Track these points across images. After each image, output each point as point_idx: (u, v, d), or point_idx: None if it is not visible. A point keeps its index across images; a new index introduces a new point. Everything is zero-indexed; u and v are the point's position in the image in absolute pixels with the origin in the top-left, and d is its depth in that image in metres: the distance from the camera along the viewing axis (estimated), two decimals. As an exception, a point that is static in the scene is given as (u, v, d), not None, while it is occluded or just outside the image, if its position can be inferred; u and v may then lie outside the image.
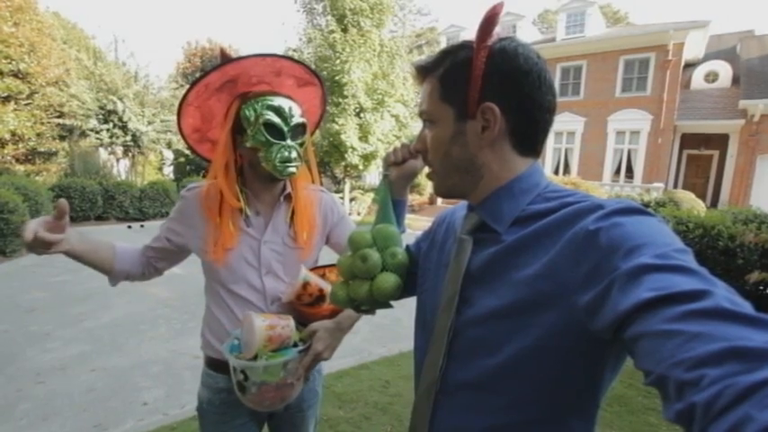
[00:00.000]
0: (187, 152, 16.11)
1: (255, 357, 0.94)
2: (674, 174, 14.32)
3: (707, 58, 14.98)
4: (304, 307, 1.06)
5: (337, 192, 15.09)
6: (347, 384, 2.90)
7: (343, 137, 11.37)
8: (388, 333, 3.90)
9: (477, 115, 0.59)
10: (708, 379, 0.31)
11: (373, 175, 17.28)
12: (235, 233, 1.07)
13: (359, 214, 12.39)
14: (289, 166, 1.03)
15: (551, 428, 0.55)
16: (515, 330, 0.53)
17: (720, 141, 13.38)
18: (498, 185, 0.61)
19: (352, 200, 14.01)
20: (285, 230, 1.12)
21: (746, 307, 0.35)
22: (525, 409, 0.55)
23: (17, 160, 12.22)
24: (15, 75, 11.64)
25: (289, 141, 1.04)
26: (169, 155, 18.44)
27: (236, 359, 0.95)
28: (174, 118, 1.11)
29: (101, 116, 12.75)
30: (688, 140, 14.02)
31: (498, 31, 0.58)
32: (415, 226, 9.42)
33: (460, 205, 0.74)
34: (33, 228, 0.84)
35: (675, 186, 13.75)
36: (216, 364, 1.10)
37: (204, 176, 1.23)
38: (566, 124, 15.06)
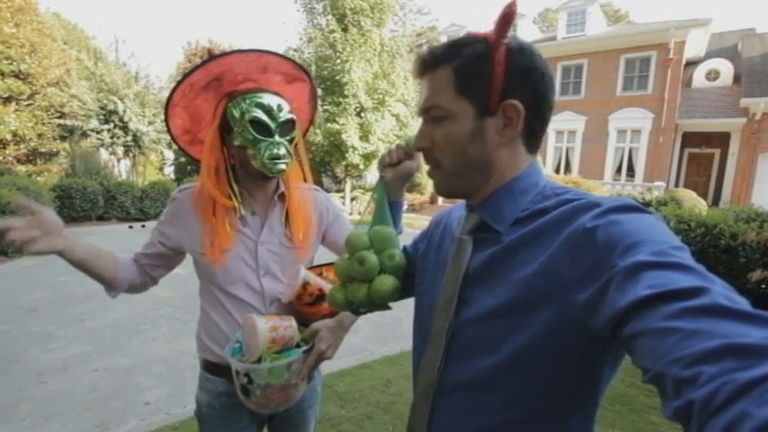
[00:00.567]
0: (188, 152, 16.10)
1: (259, 360, 0.92)
2: (675, 172, 14.29)
3: (708, 56, 14.94)
4: (304, 307, 1.06)
5: (338, 191, 15.09)
6: (349, 384, 2.90)
7: (343, 136, 11.38)
8: (389, 332, 3.90)
9: (498, 112, 0.57)
10: (705, 376, 0.31)
11: (374, 175, 17.24)
12: (231, 234, 1.05)
13: (359, 214, 12.38)
14: (278, 163, 1.01)
15: (550, 428, 0.55)
16: (513, 329, 0.53)
17: (722, 140, 13.34)
18: (499, 185, 0.61)
19: (353, 199, 14.00)
20: (281, 230, 1.10)
21: (744, 304, 0.35)
22: (524, 409, 0.55)
23: (18, 161, 12.28)
24: (16, 75, 11.70)
25: (277, 138, 1.01)
26: (170, 155, 18.48)
27: (240, 362, 0.93)
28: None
29: (101, 116, 12.80)
30: (689, 139, 13.99)
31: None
32: (417, 225, 9.43)
33: (457, 205, 0.74)
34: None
35: (677, 185, 13.72)
36: (214, 368, 1.08)
37: None
38: (567, 123, 15.02)
